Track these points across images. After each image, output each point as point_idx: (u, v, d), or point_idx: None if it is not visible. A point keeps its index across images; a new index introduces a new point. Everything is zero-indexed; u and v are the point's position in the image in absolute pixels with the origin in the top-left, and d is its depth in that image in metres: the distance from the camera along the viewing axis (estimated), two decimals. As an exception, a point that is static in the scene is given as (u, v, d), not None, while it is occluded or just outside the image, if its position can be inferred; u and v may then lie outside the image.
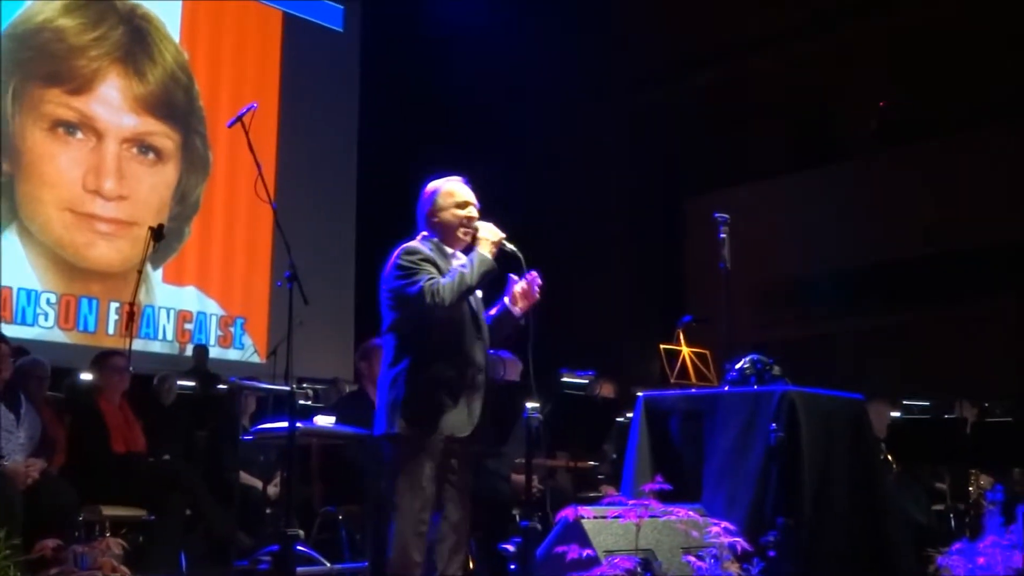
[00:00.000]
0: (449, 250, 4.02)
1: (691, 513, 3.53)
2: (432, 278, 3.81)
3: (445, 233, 4.03)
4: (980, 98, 10.82)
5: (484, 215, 4.03)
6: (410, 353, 3.90)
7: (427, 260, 3.90)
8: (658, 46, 12.75)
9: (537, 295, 3.96)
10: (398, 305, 3.92)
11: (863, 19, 11.49)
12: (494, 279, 3.95)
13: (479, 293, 4.10)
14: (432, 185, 4.11)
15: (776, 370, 4.43)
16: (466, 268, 3.81)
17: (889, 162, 11.73)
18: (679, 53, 12.72)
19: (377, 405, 3.97)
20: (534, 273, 3.98)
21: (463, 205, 4.01)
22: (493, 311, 4.09)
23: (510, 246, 3.91)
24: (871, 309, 11.57)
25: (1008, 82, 10.56)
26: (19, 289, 9.16)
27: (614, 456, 6.64)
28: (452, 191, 4.06)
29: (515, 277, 3.98)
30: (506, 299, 4.01)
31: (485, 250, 3.85)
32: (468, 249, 3.95)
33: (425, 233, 4.07)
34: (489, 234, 3.89)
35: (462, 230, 3.99)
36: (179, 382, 7.89)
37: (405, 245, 3.97)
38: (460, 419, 3.86)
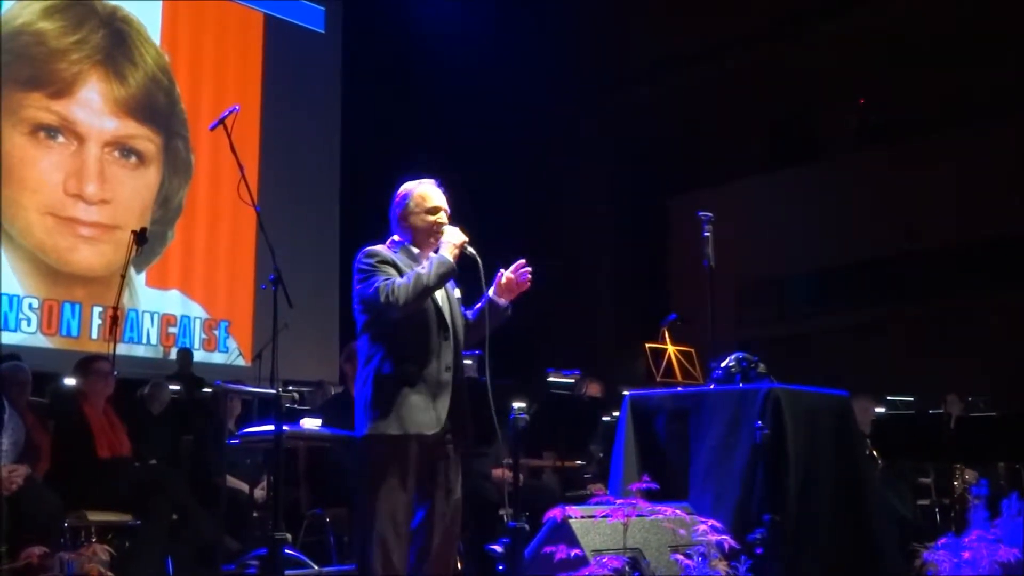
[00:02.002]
0: (416, 251, 4.04)
1: (678, 512, 3.54)
2: (388, 279, 3.83)
3: (415, 237, 4.05)
4: (958, 97, 10.89)
5: (465, 217, 4.04)
6: (377, 353, 3.92)
7: (385, 262, 3.92)
8: (640, 47, 12.78)
9: (528, 284, 3.98)
10: (363, 307, 3.95)
11: (841, 19, 11.54)
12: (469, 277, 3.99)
13: (457, 293, 4.11)
14: (404, 188, 4.11)
15: (761, 368, 4.44)
16: (424, 269, 3.83)
17: (868, 161, 11.78)
18: (661, 54, 12.76)
19: (355, 408, 3.99)
20: (522, 261, 4.00)
21: (433, 211, 4.03)
22: (477, 306, 4.10)
23: (470, 250, 3.93)
24: (848, 307, 11.63)
25: (986, 82, 10.63)
26: (1, 294, 9.11)
27: (601, 455, 6.65)
28: (424, 195, 4.07)
29: (502, 270, 4.00)
30: (490, 291, 4.01)
31: (447, 252, 3.87)
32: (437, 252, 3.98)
33: (396, 237, 4.08)
34: (453, 237, 3.90)
35: (432, 235, 4.00)
36: (170, 387, 7.86)
37: (366, 248, 3.99)
38: (426, 417, 3.86)
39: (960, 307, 10.72)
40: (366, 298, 3.90)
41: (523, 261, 3.98)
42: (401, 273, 3.91)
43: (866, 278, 11.50)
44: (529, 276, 3.98)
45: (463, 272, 3.98)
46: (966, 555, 3.86)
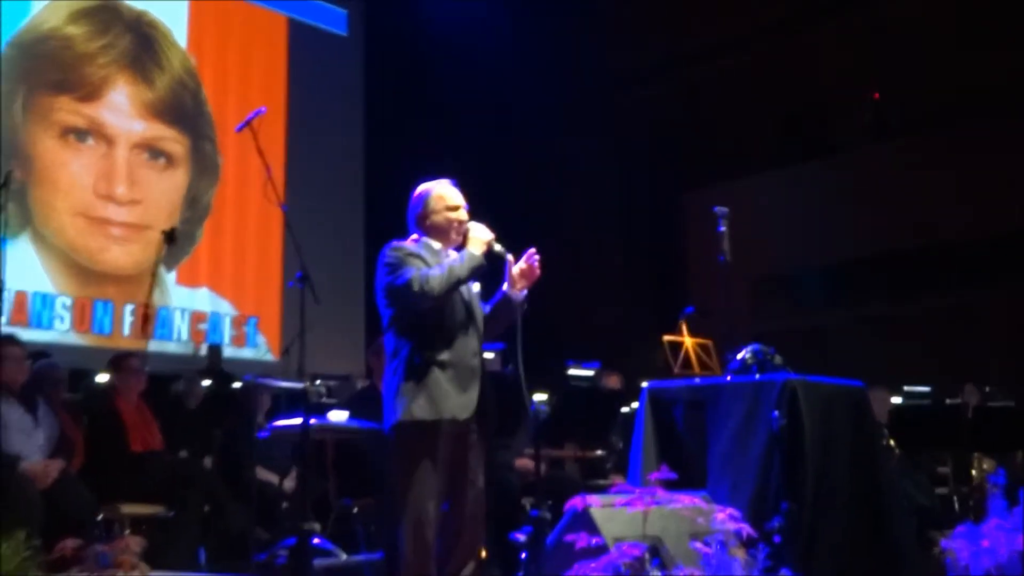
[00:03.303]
0: (437, 246, 4.07)
1: (697, 500, 3.53)
2: (420, 270, 3.87)
3: (438, 234, 4.08)
4: (973, 92, 10.79)
5: (483, 214, 4.08)
6: (407, 344, 3.95)
7: (412, 255, 3.96)
8: (655, 43, 12.74)
9: (538, 271, 4.00)
10: (391, 300, 3.98)
11: (851, 14, 11.45)
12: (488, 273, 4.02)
13: (476, 287, 4.14)
14: (421, 189, 4.15)
15: (777, 359, 4.43)
16: (456, 262, 3.88)
17: (882, 156, 11.70)
18: (675, 49, 12.71)
19: (384, 400, 4.01)
20: (532, 249, 4.03)
21: (454, 208, 4.08)
22: (493, 299, 4.13)
23: (498, 247, 3.98)
24: (862, 300, 11.56)
25: (995, 76, 10.53)
26: (34, 293, 9.18)
27: (620, 446, 6.65)
28: (443, 195, 4.11)
29: (511, 259, 4.02)
30: (505, 285, 4.04)
31: (476, 248, 3.93)
32: (459, 248, 4.01)
33: (415, 236, 4.11)
34: (481, 234, 3.97)
35: (454, 232, 4.04)
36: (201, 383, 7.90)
37: (391, 243, 4.03)
38: (459, 401, 3.89)
39: (972, 301, 10.65)
40: (396, 288, 3.92)
41: (533, 250, 4.02)
42: (427, 265, 3.94)
43: (880, 272, 11.42)
44: (538, 262, 4.01)
45: (489, 265, 4.02)
46: (985, 543, 3.84)
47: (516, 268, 4.03)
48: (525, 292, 4.05)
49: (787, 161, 12.45)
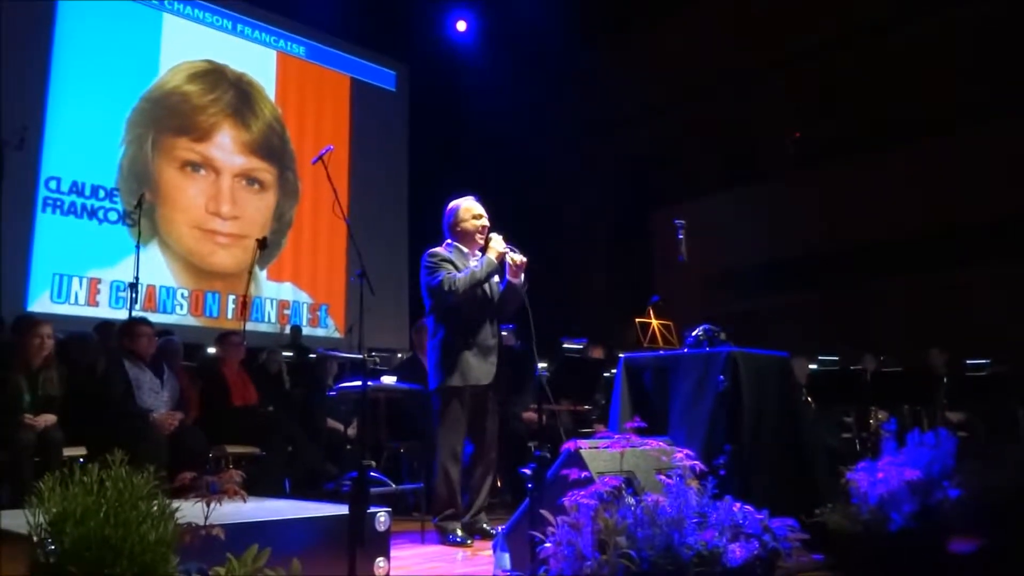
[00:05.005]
0: (465, 250, 4.07)
1: (661, 444, 3.50)
2: (450, 273, 3.88)
3: (465, 238, 4.09)
4: (866, 129, 10.79)
5: (502, 228, 4.07)
6: (442, 328, 3.96)
7: (445, 260, 3.97)
8: (631, 98, 12.70)
9: (523, 259, 4.00)
10: (429, 295, 3.99)
11: (776, 77, 11.46)
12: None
13: (495, 279, 4.14)
14: (453, 203, 4.16)
15: (723, 336, 4.40)
16: (477, 267, 3.89)
17: (799, 179, 11.69)
18: (646, 104, 12.68)
19: (428, 368, 4.02)
20: (514, 249, 4.02)
21: (478, 217, 4.10)
22: (502, 289, 4.14)
23: (509, 257, 3.98)
24: (786, 290, 11.53)
25: (884, 116, 10.50)
26: (160, 286, 9.23)
27: (603, 402, 6.63)
28: (470, 207, 4.12)
29: (513, 260, 4.01)
30: (508, 275, 4.05)
31: (492, 255, 3.94)
32: (482, 250, 4.01)
33: (449, 240, 4.12)
34: (498, 245, 3.99)
35: (478, 236, 4.05)
36: (283, 353, 7.93)
37: (429, 250, 4.05)
38: (481, 371, 3.91)
39: (870, 290, 10.65)
40: (432, 287, 3.95)
41: (511, 247, 3.99)
42: (456, 268, 3.95)
43: (802, 268, 11.41)
44: (519, 257, 3.99)
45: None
46: (880, 475, 3.81)
47: (510, 259, 4.05)
48: (523, 279, 4.04)
49: (730, 185, 12.41)
